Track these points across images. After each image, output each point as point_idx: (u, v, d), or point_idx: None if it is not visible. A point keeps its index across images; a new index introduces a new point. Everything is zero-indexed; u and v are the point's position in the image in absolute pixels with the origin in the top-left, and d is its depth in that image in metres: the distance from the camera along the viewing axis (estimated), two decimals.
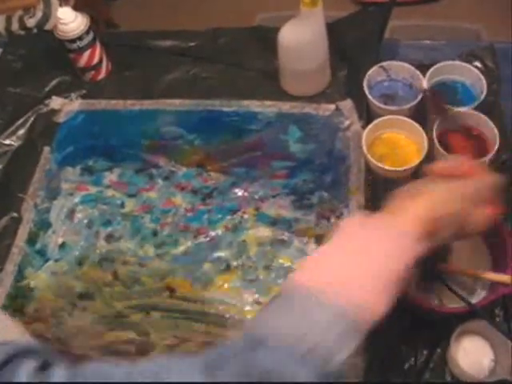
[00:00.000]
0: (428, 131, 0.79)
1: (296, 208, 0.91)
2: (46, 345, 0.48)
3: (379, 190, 0.81)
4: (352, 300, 0.45)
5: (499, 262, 0.71)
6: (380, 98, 0.85)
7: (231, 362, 0.43)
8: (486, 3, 1.70)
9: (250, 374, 0.42)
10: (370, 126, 0.81)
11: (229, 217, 0.92)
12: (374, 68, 0.86)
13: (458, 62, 0.86)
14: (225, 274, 0.87)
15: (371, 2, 1.00)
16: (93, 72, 0.97)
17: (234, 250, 0.89)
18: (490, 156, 0.75)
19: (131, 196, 0.96)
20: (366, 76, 0.85)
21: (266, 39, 0.96)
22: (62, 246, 0.92)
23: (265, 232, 0.90)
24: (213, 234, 0.91)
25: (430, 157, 0.77)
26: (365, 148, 0.79)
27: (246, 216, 0.92)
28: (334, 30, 0.89)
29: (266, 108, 0.91)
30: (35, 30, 1.30)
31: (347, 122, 0.87)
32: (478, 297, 0.70)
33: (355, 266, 0.48)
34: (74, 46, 0.93)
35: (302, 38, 0.84)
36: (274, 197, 0.93)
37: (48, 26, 1.29)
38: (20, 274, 0.84)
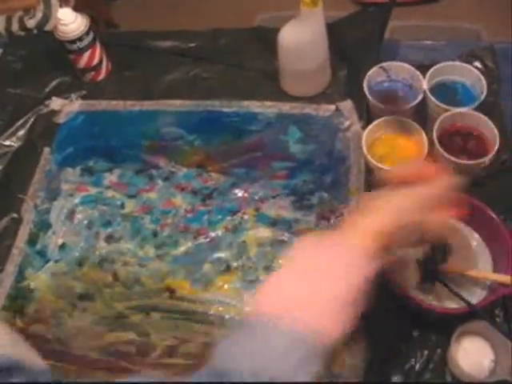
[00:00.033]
0: (428, 132, 0.78)
1: (296, 209, 0.91)
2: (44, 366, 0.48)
3: (379, 191, 0.81)
4: (310, 326, 0.45)
5: (499, 262, 0.71)
6: (380, 99, 0.85)
7: None
8: (485, 3, 1.70)
9: None
10: (370, 127, 0.81)
11: (229, 217, 0.92)
12: (374, 68, 0.86)
13: (458, 63, 0.86)
14: (225, 275, 0.87)
15: (371, 2, 1.00)
16: (93, 73, 0.97)
17: (234, 250, 0.89)
18: (489, 156, 0.75)
19: (131, 197, 0.96)
20: (366, 76, 0.85)
21: (266, 39, 0.96)
22: (62, 246, 0.92)
23: (265, 233, 0.90)
24: (213, 234, 0.91)
25: (430, 157, 0.77)
26: (365, 148, 0.79)
27: (246, 217, 0.92)
28: (334, 30, 0.89)
29: (266, 108, 0.90)
30: (35, 31, 1.30)
31: (347, 123, 0.87)
32: (478, 297, 0.70)
33: (311, 290, 0.47)
34: (74, 46, 0.93)
35: (302, 39, 0.84)
36: (274, 197, 0.93)
37: (48, 27, 1.29)
38: (20, 275, 0.84)
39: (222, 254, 0.89)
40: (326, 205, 0.89)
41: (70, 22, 0.91)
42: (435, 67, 0.84)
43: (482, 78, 0.82)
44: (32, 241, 0.87)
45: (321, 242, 0.50)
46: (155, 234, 0.92)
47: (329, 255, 0.49)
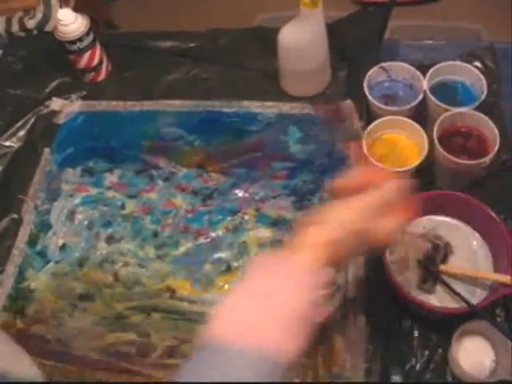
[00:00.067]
0: (428, 131, 0.78)
1: (296, 209, 0.91)
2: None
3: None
4: (263, 348, 0.45)
5: (500, 262, 0.71)
6: (380, 99, 0.85)
7: None
8: (485, 3, 1.70)
9: None
10: (370, 127, 0.81)
11: (229, 218, 0.92)
12: (374, 68, 0.86)
13: (458, 62, 0.86)
14: (225, 275, 0.87)
15: (371, 2, 1.00)
16: (93, 73, 0.97)
17: (235, 250, 0.89)
18: (490, 156, 0.75)
19: (131, 197, 0.96)
20: (366, 76, 0.85)
21: (265, 40, 0.96)
22: (63, 247, 0.92)
23: (265, 233, 0.90)
24: (213, 234, 0.91)
25: (430, 157, 0.77)
26: (365, 148, 0.79)
27: (246, 217, 0.92)
28: (334, 30, 0.89)
29: (266, 109, 0.90)
30: (35, 32, 1.29)
31: (347, 123, 0.87)
32: (478, 297, 0.70)
33: (264, 313, 0.47)
34: (74, 47, 0.93)
35: (302, 39, 0.84)
36: (274, 198, 0.93)
37: (48, 28, 1.29)
38: (20, 276, 0.84)
39: (222, 255, 0.89)
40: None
41: (70, 23, 0.91)
42: (435, 67, 0.84)
43: (482, 77, 0.82)
44: (32, 241, 0.87)
45: (271, 263, 0.51)
46: (156, 235, 0.92)
47: (278, 277, 0.49)
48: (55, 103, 0.96)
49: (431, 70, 0.83)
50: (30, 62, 1.04)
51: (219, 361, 0.45)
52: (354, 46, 0.93)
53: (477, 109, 0.79)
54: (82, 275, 0.89)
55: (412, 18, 1.61)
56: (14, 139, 0.94)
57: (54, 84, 0.99)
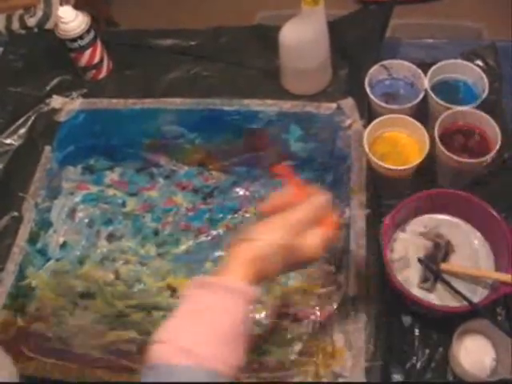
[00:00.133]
0: (430, 130, 0.78)
1: None
2: None
3: (381, 189, 0.81)
4: (205, 363, 0.49)
5: (501, 260, 0.71)
6: (381, 97, 0.85)
7: None
8: (487, 2, 1.70)
9: None
10: (371, 125, 0.80)
11: (230, 216, 0.92)
12: (376, 67, 0.86)
13: (459, 61, 0.85)
14: None
15: (372, 0, 1.00)
16: (94, 71, 0.97)
17: None
18: (491, 155, 0.74)
19: (132, 195, 0.96)
20: (368, 75, 0.85)
21: (266, 38, 0.96)
22: (63, 245, 0.92)
23: None
24: (214, 233, 0.91)
25: (431, 156, 0.77)
26: (366, 147, 0.78)
27: (247, 215, 0.92)
28: (335, 28, 0.89)
29: (266, 107, 0.90)
30: (36, 29, 1.29)
31: (348, 121, 0.87)
32: (479, 296, 0.70)
33: (203, 331, 0.51)
34: (75, 45, 0.93)
35: (303, 37, 0.83)
36: None
37: (49, 25, 1.28)
38: (21, 274, 0.84)
39: (223, 253, 0.89)
40: None
41: (71, 21, 0.90)
42: (437, 65, 0.84)
43: (484, 76, 0.82)
44: (33, 239, 0.87)
45: (206, 285, 0.54)
46: (156, 233, 0.92)
47: (212, 298, 0.53)
48: (56, 101, 0.96)
49: (432, 69, 0.83)
50: (30, 59, 1.04)
51: (166, 378, 0.48)
52: (355, 44, 0.93)
53: (478, 107, 0.79)
54: (82, 273, 0.89)
55: (413, 17, 1.61)
56: (15, 137, 0.94)
57: (54, 82, 0.99)
